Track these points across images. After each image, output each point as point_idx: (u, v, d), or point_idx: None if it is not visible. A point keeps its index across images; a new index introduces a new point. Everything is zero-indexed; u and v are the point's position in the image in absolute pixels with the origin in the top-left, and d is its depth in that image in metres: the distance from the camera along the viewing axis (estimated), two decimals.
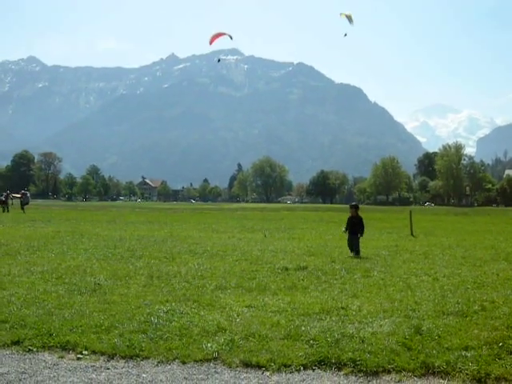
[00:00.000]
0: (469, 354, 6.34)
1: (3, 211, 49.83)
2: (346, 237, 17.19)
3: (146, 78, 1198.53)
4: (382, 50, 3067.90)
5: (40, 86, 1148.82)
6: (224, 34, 35.21)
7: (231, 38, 35.07)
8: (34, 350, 6.77)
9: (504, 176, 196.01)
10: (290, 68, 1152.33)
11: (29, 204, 55.18)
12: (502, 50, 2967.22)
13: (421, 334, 7.09)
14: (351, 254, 16.17)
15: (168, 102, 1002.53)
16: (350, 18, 32.91)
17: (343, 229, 17.60)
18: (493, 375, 5.81)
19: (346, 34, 34.39)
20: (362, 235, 16.93)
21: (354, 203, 18.45)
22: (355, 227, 16.84)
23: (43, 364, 6.35)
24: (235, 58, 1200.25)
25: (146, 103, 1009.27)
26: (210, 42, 34.36)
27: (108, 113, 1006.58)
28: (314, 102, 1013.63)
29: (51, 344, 6.90)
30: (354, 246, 16.50)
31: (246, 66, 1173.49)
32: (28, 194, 55.50)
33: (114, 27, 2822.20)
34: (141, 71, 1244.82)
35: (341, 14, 33.24)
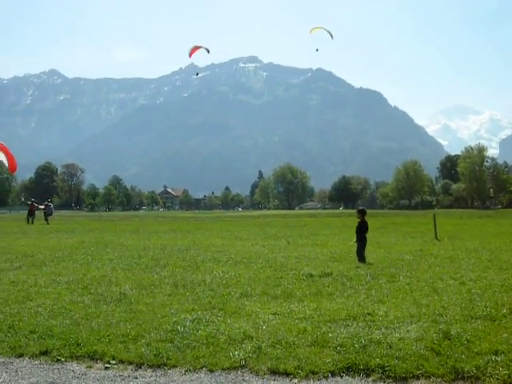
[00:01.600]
0: (499, 359, 6.27)
1: (27, 222, 50.20)
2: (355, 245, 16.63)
3: (166, 88, 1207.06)
4: (401, 53, 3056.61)
5: (61, 98, 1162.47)
6: (201, 47, 35.96)
7: (208, 51, 36.00)
8: (62, 359, 6.82)
9: None
10: (309, 74, 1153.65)
11: (52, 215, 55.54)
12: None
13: (449, 339, 7.02)
14: (363, 263, 15.53)
15: (188, 111, 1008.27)
16: (329, 33, 33.35)
17: (352, 241, 17.14)
18: None
19: (317, 49, 35.06)
20: (354, 241, 16.63)
21: (360, 208, 17.85)
22: (362, 232, 16.38)
23: (71, 374, 6.39)
24: (254, 65, 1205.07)
25: (166, 113, 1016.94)
26: (190, 55, 34.99)
27: (129, 123, 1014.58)
28: (334, 108, 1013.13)
29: (79, 354, 6.95)
30: (362, 252, 16.12)
31: (264, 74, 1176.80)
32: (51, 206, 55.80)
33: (133, 38, 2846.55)
34: (160, 81, 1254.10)
35: (311, 30, 33.73)
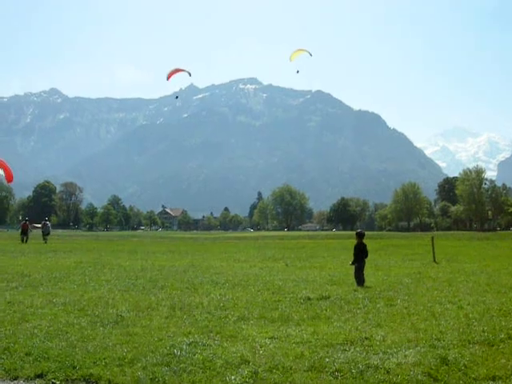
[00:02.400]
0: None
1: (22, 242, 49.80)
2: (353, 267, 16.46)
3: (166, 109, 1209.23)
4: (399, 76, 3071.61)
5: (61, 117, 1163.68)
6: (182, 70, 35.71)
7: (190, 74, 35.61)
8: (58, 382, 6.79)
9: None
10: (308, 96, 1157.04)
11: (50, 234, 55.20)
12: None
13: (447, 364, 7.00)
14: (358, 286, 15.41)
15: (188, 131, 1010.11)
16: (307, 52, 33.72)
17: (350, 262, 16.66)
18: None
19: (298, 71, 35.42)
20: (366, 257, 16.37)
21: (359, 230, 17.48)
22: (361, 254, 16.20)
23: None
24: (254, 86, 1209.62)
25: (165, 133, 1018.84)
26: (168, 78, 34.76)
27: (128, 143, 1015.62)
28: (333, 129, 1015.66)
29: (74, 377, 6.90)
30: (360, 275, 15.90)
31: (264, 95, 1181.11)
32: (49, 224, 55.36)
33: (133, 58, 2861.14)
34: (160, 101, 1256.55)
35: (292, 56, 34.18)
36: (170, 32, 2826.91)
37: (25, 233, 51.36)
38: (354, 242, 16.71)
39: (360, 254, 16.21)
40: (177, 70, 35.66)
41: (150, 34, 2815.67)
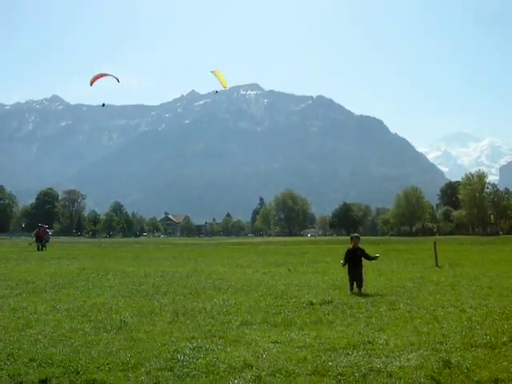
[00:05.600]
0: None
1: (38, 249, 48.29)
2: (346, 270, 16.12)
3: (168, 115, 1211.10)
4: (401, 81, 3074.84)
5: (63, 124, 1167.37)
6: (108, 75, 34.59)
7: (118, 80, 34.26)
8: None
9: None
10: (310, 101, 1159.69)
11: (49, 242, 53.75)
12: None
13: (449, 367, 7.01)
14: (351, 291, 15.20)
15: (189, 137, 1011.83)
16: (220, 81, 33.93)
17: (342, 261, 16.35)
18: None
19: (217, 91, 35.62)
20: (375, 258, 16.25)
21: (355, 234, 17.20)
22: (357, 260, 15.84)
23: None
24: (255, 92, 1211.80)
25: (167, 140, 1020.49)
26: (91, 83, 33.47)
27: (130, 150, 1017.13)
28: (335, 135, 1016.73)
29: (78, 382, 6.91)
30: (357, 281, 15.56)
31: (265, 101, 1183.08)
32: (49, 232, 54.13)
33: (134, 66, 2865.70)
34: (162, 108, 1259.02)
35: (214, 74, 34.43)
36: (171, 38, 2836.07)
37: (40, 240, 49.54)
38: (349, 246, 16.30)
39: (357, 259, 15.87)
40: (102, 75, 34.22)
41: (151, 41, 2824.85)
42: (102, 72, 34.66)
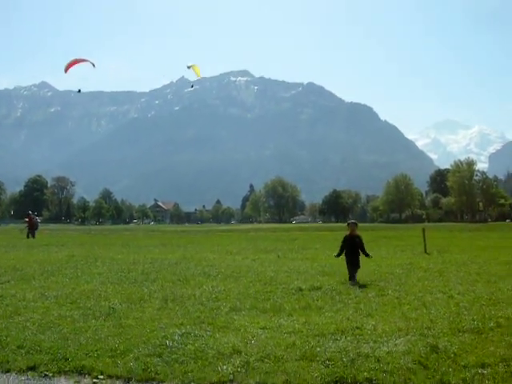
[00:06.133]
0: (485, 372, 6.32)
1: (27, 237, 47.83)
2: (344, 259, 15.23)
3: (157, 102, 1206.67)
4: (391, 68, 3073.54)
5: (52, 110, 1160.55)
6: (84, 60, 33.73)
7: (93, 65, 33.37)
8: (50, 375, 6.77)
9: None
10: (300, 88, 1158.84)
11: (38, 229, 53.12)
12: (511, 65, 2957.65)
13: (437, 353, 7.06)
14: (354, 283, 14.12)
15: (179, 124, 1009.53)
16: (196, 72, 33.88)
17: (335, 254, 15.55)
18: None
19: (192, 86, 35.78)
20: (369, 255, 15.23)
21: (353, 220, 16.47)
22: (355, 248, 15.02)
23: None
24: (245, 79, 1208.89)
25: (157, 126, 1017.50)
26: (65, 70, 32.51)
27: (120, 136, 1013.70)
28: (325, 122, 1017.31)
29: (67, 369, 6.90)
30: (354, 270, 14.76)
31: (256, 87, 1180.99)
32: (37, 219, 53.51)
33: (124, 52, 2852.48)
34: (152, 95, 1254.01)
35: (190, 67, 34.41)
36: (160, 25, 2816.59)
37: (32, 228, 49.21)
38: (346, 233, 15.53)
39: (355, 247, 15.04)
40: (77, 61, 33.20)
41: (141, 27, 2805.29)
42: (78, 58, 33.88)
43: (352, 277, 14.63)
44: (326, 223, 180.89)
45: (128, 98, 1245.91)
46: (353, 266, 14.87)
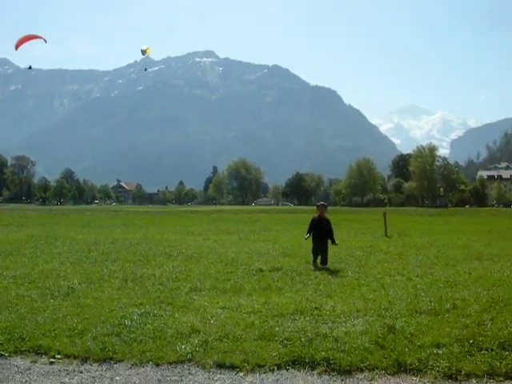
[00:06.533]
0: (440, 352, 6.42)
1: None
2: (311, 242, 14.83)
3: (121, 81, 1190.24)
4: (356, 53, 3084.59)
5: (13, 88, 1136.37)
6: (37, 37, 32.65)
7: (45, 41, 32.19)
8: (6, 354, 6.69)
9: (477, 177, 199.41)
10: (265, 70, 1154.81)
11: None
12: (475, 53, 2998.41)
13: (393, 333, 7.15)
14: (315, 266, 14.01)
15: (143, 104, 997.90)
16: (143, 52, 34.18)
17: (306, 235, 15.00)
18: (464, 371, 5.89)
19: (146, 69, 36.35)
20: (335, 243, 14.96)
21: (321, 202, 15.87)
22: (323, 231, 14.60)
23: (15, 369, 6.28)
24: (210, 60, 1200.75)
25: (120, 106, 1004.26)
26: (16, 47, 31.17)
27: (82, 116, 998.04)
28: (290, 104, 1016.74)
29: (23, 349, 6.83)
30: (321, 254, 14.37)
31: (221, 69, 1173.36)
32: None
33: (87, 30, 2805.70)
34: (115, 74, 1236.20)
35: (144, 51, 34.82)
36: (125, 2, 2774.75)
37: None
38: (307, 216, 15.63)
39: (323, 230, 14.61)
40: (28, 38, 31.87)
41: (104, 5, 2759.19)
42: (28, 34, 32.52)
43: (314, 259, 14.46)
44: (296, 206, 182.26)
45: (91, 76, 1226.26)
46: (318, 249, 14.49)
